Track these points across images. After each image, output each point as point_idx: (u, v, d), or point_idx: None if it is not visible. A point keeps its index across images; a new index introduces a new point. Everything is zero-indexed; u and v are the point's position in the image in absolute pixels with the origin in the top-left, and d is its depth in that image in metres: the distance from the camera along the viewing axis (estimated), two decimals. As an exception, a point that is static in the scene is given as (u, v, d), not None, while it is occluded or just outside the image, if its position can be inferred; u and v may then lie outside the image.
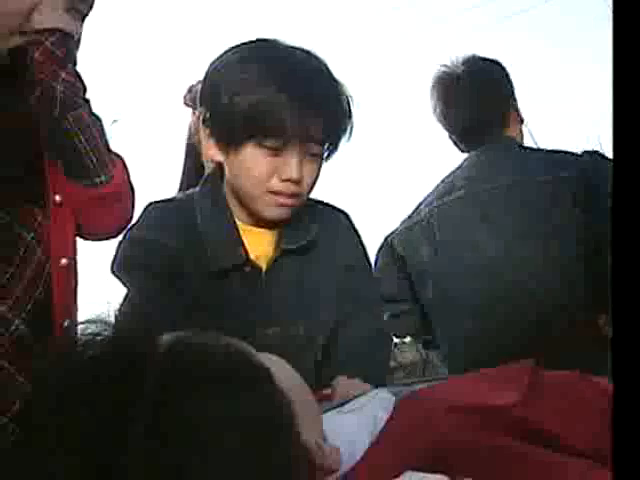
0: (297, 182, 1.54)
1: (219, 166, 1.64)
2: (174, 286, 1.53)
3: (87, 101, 1.59)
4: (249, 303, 1.57)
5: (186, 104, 1.97)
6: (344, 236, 1.71)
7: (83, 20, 1.60)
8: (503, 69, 2.37)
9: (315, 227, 1.65)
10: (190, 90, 1.96)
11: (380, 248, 2.33)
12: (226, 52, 1.59)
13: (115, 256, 1.62)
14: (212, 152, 1.60)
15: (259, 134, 1.51)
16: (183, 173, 2.07)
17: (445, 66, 2.33)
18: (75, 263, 1.62)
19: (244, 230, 1.60)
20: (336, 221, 1.72)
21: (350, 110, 1.58)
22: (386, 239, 2.32)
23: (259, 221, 1.61)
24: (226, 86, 1.53)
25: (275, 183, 1.54)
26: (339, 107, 1.56)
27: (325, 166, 1.60)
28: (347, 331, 1.63)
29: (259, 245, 1.60)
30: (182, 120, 2.07)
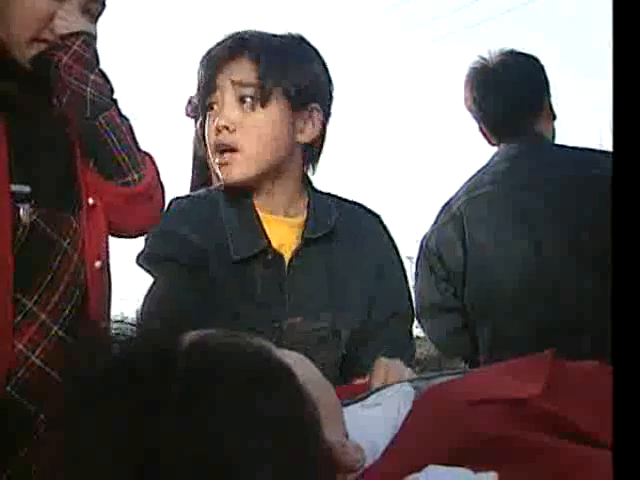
0: (228, 130, 1.54)
1: None
2: (199, 278, 1.54)
3: (115, 101, 1.60)
4: (272, 291, 1.56)
5: (188, 115, 1.99)
6: (376, 236, 1.69)
7: (96, 20, 1.62)
8: (540, 65, 2.34)
9: (338, 218, 1.63)
10: (190, 101, 1.97)
11: (418, 257, 2.30)
12: None
13: (143, 249, 1.64)
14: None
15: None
16: (191, 185, 2.09)
17: (481, 58, 2.32)
18: (108, 264, 1.63)
19: (266, 219, 1.59)
20: (367, 220, 1.70)
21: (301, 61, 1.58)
22: (421, 244, 2.30)
23: (278, 209, 1.61)
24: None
25: (214, 139, 1.55)
26: (274, 54, 1.55)
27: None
28: (377, 336, 1.60)
29: (281, 233, 1.59)
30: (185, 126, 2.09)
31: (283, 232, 1.60)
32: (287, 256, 1.57)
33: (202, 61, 1.57)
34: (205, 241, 1.56)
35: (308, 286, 1.57)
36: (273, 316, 1.52)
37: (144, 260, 1.61)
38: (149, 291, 1.59)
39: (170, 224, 1.61)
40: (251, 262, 1.56)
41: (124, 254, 1.75)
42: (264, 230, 1.58)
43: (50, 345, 1.51)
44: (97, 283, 1.59)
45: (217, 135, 1.54)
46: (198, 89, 1.56)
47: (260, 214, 1.60)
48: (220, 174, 1.58)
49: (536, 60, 2.37)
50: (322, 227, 1.61)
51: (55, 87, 1.59)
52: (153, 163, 1.66)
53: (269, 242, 1.56)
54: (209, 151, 1.57)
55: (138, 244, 1.70)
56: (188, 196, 1.69)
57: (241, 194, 1.61)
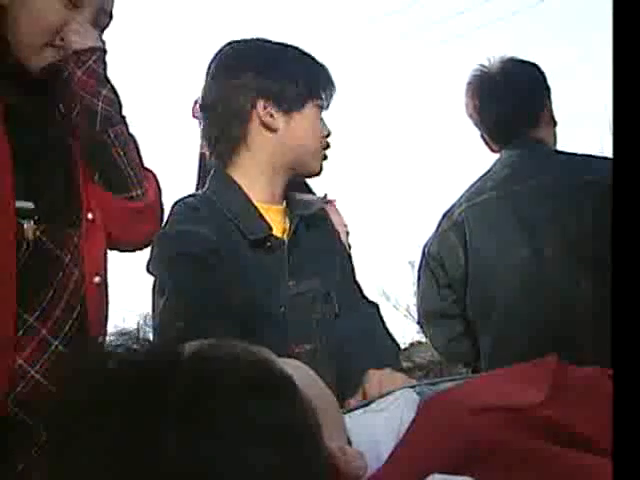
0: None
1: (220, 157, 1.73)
2: (214, 269, 1.59)
3: (124, 118, 1.60)
4: (276, 270, 1.67)
5: (194, 117, 2.01)
6: (327, 220, 1.89)
7: (103, 32, 1.61)
8: (540, 72, 2.34)
9: (318, 200, 1.82)
10: (197, 102, 1.99)
11: (420, 264, 2.31)
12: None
13: (151, 255, 1.64)
14: (269, 119, 1.71)
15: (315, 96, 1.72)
16: (197, 183, 2.10)
17: (482, 65, 2.32)
18: (106, 280, 1.62)
19: (262, 208, 1.70)
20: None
21: None
22: (423, 250, 2.30)
23: (273, 198, 1.72)
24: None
25: (325, 140, 1.76)
26: None
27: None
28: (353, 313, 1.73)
29: (275, 219, 1.71)
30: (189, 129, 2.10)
31: (275, 216, 1.72)
32: (285, 236, 1.70)
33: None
34: (213, 233, 1.61)
35: (301, 259, 1.71)
36: (281, 290, 1.65)
37: (158, 263, 1.63)
38: (162, 294, 1.60)
39: (178, 224, 1.64)
40: (259, 245, 1.65)
41: (128, 266, 1.75)
42: (264, 218, 1.68)
43: (50, 360, 1.50)
44: (96, 298, 1.59)
45: (327, 137, 1.77)
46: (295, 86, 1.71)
47: (257, 204, 1.69)
48: (318, 166, 1.77)
49: (536, 67, 2.36)
50: (306, 208, 1.77)
51: (65, 100, 1.58)
52: (155, 180, 1.66)
53: (270, 228, 1.66)
54: (315, 145, 1.75)
55: (142, 257, 1.70)
56: (187, 197, 1.72)
57: (237, 189, 1.70)
